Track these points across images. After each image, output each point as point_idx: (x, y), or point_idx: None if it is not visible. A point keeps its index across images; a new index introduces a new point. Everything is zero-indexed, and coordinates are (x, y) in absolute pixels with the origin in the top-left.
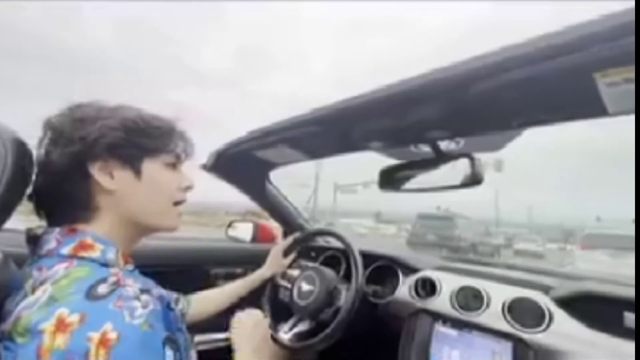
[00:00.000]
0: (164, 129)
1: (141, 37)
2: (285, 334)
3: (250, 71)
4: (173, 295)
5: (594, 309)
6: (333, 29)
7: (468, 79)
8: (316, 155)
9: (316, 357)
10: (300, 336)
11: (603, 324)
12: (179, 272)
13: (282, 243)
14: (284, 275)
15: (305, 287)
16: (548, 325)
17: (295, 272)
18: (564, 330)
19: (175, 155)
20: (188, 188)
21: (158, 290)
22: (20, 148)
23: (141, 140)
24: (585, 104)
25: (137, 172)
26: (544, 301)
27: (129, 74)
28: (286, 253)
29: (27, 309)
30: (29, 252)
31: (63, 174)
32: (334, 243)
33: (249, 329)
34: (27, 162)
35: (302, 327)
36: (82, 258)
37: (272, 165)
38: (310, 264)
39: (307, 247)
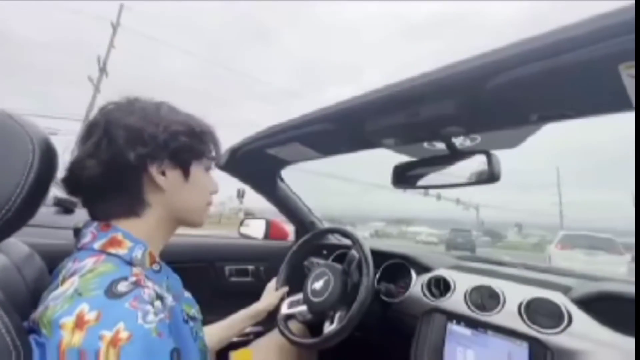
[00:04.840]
0: (211, 135)
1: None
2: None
3: (311, 84)
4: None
5: (615, 310)
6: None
7: (485, 73)
8: (328, 152)
9: (329, 357)
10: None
11: (623, 325)
12: (192, 268)
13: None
14: (291, 305)
15: (319, 284)
16: (567, 326)
17: (299, 296)
18: (583, 331)
19: (212, 159)
20: (215, 192)
21: (173, 300)
22: (47, 145)
23: (196, 144)
24: (608, 97)
25: (187, 173)
26: (563, 301)
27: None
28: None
29: (55, 300)
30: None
31: (126, 169)
32: (345, 241)
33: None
34: (53, 160)
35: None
36: (110, 254)
37: (283, 163)
38: (322, 261)
39: (318, 245)
